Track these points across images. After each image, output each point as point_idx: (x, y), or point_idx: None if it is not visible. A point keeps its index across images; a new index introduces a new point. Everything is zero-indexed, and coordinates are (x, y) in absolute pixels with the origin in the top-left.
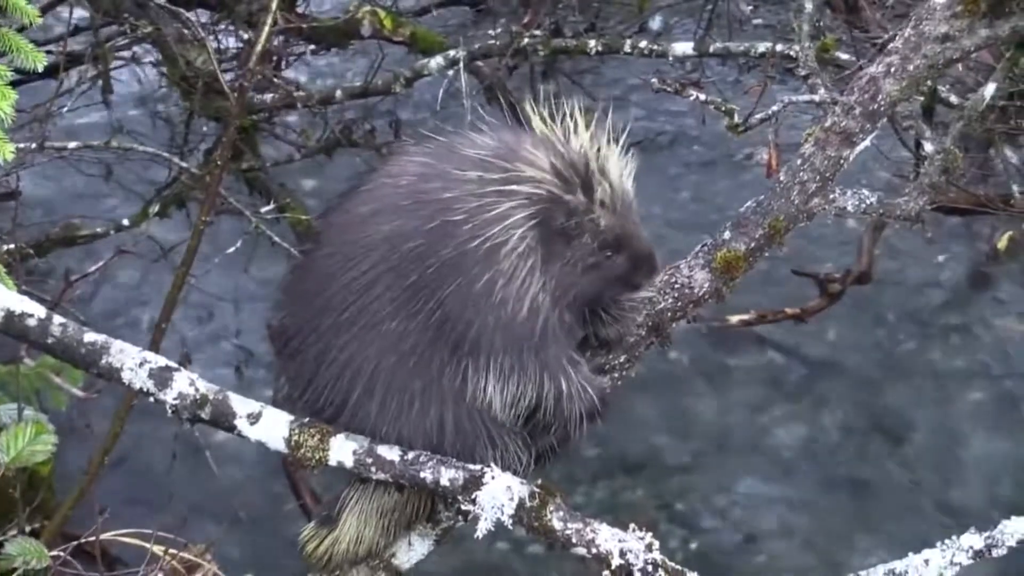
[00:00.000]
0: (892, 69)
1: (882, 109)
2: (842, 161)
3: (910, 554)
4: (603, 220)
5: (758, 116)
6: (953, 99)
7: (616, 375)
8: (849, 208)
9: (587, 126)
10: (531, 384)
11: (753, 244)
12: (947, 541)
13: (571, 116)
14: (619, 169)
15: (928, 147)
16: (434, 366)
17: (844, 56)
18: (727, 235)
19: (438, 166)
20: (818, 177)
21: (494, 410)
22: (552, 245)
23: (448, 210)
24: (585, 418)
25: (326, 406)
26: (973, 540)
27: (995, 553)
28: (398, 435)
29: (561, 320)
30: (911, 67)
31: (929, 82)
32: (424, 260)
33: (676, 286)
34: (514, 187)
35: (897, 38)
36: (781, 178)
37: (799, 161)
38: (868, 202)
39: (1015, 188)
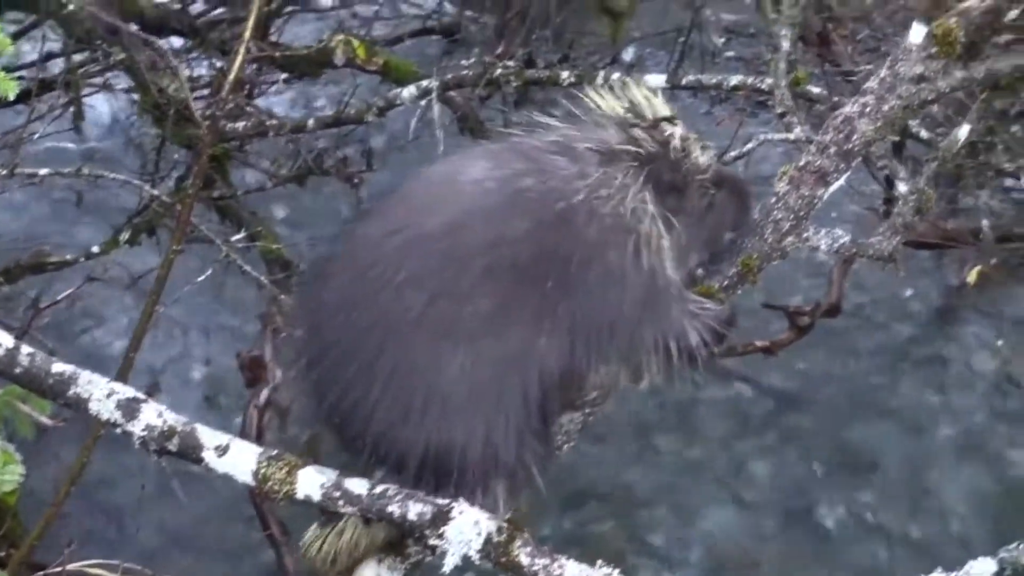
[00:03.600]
0: (867, 109)
1: (856, 149)
2: (816, 200)
3: None
4: (699, 161)
5: (733, 153)
6: (924, 134)
7: (588, 411)
8: (823, 247)
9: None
10: (657, 357)
11: (726, 282)
12: None
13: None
14: (673, 118)
15: (902, 187)
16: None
17: (816, 90)
18: (700, 272)
19: (518, 164)
20: (792, 216)
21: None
22: (668, 202)
23: (560, 207)
24: (712, 344)
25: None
26: None
27: None
28: (483, 439)
29: (675, 273)
30: (886, 107)
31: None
32: (551, 259)
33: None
34: (616, 158)
35: (872, 78)
36: (755, 216)
37: (773, 199)
38: (841, 241)
39: (984, 223)
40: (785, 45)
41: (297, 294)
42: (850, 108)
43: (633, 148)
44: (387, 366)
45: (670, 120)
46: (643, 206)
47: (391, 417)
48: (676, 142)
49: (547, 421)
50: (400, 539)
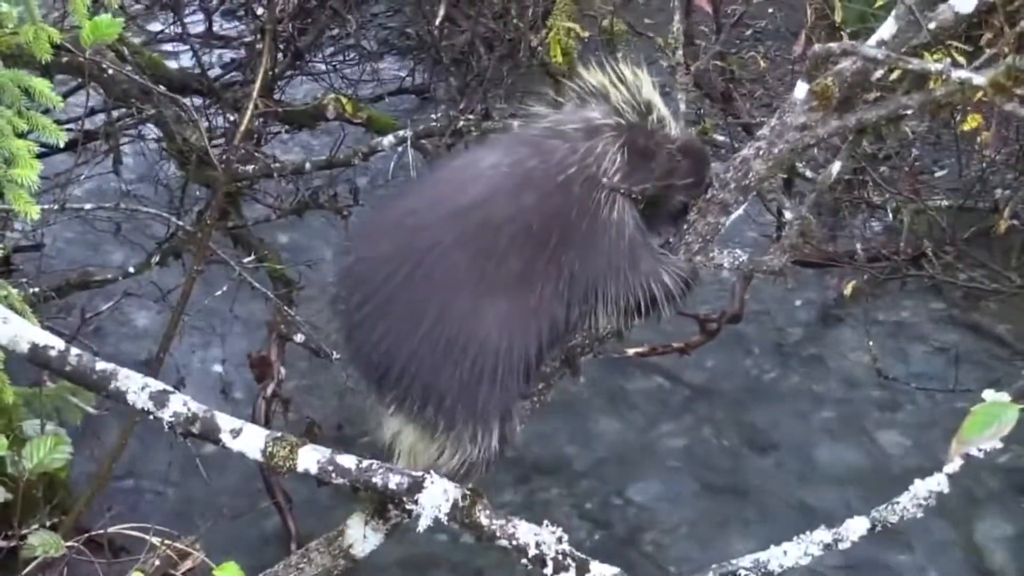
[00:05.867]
0: (761, 152)
1: (752, 184)
2: (720, 226)
3: (772, 546)
4: (672, 132)
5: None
6: (808, 173)
7: (535, 399)
8: (725, 265)
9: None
10: (642, 298)
11: None
12: (802, 536)
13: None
14: (654, 93)
15: (788, 215)
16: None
17: (720, 138)
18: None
19: (523, 150)
20: (700, 239)
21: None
22: (639, 164)
23: (559, 180)
24: (685, 291)
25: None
26: (823, 535)
27: (840, 546)
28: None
29: (642, 226)
30: (776, 150)
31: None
32: (554, 220)
33: (585, 326)
34: (598, 131)
35: (765, 126)
36: (670, 239)
37: (685, 226)
38: (741, 260)
39: (858, 246)
40: (682, 106)
41: (344, 251)
42: (747, 151)
43: (614, 120)
44: (434, 310)
45: (653, 97)
46: (615, 168)
47: (433, 353)
48: (655, 114)
49: (540, 365)
50: (382, 505)
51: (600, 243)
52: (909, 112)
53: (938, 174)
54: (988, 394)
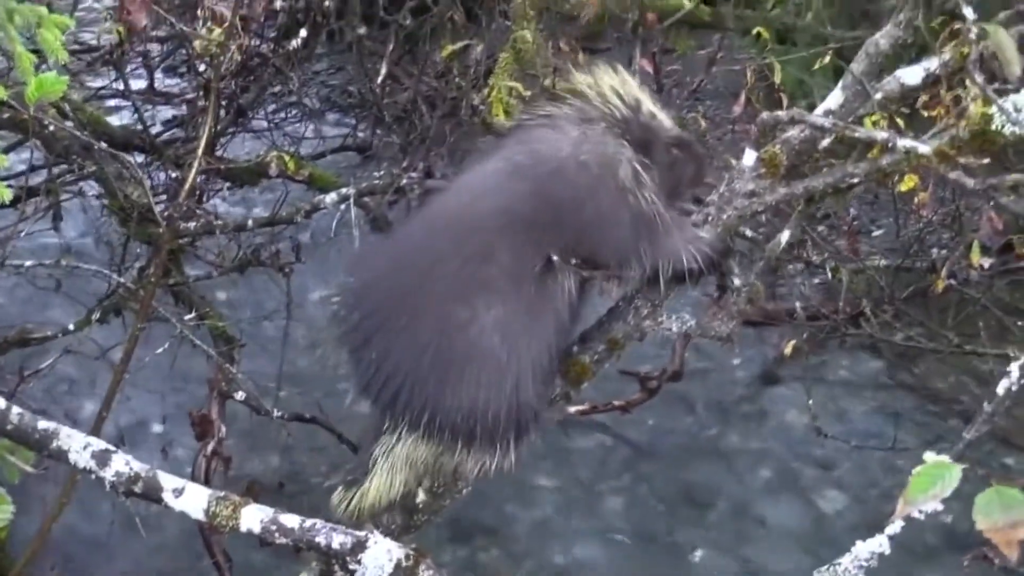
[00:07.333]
0: (710, 218)
1: None
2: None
3: None
4: (663, 125)
5: None
6: (748, 232)
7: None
8: (673, 329)
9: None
10: (661, 267)
11: (596, 356)
12: None
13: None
14: (641, 90)
15: (736, 281)
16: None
17: None
18: (575, 349)
19: (515, 147)
20: (649, 304)
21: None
22: (639, 154)
23: (552, 166)
24: (708, 268)
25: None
26: None
27: None
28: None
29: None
30: (725, 217)
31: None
32: (548, 206)
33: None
34: (593, 121)
35: (713, 193)
36: (619, 304)
37: (634, 290)
38: (689, 324)
39: (797, 305)
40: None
41: (350, 275)
42: (696, 217)
43: (608, 111)
44: (432, 324)
45: (639, 93)
46: (621, 151)
47: (437, 370)
48: (645, 107)
49: (553, 362)
50: (328, 566)
51: (609, 230)
52: (856, 180)
53: (876, 234)
54: (929, 456)
